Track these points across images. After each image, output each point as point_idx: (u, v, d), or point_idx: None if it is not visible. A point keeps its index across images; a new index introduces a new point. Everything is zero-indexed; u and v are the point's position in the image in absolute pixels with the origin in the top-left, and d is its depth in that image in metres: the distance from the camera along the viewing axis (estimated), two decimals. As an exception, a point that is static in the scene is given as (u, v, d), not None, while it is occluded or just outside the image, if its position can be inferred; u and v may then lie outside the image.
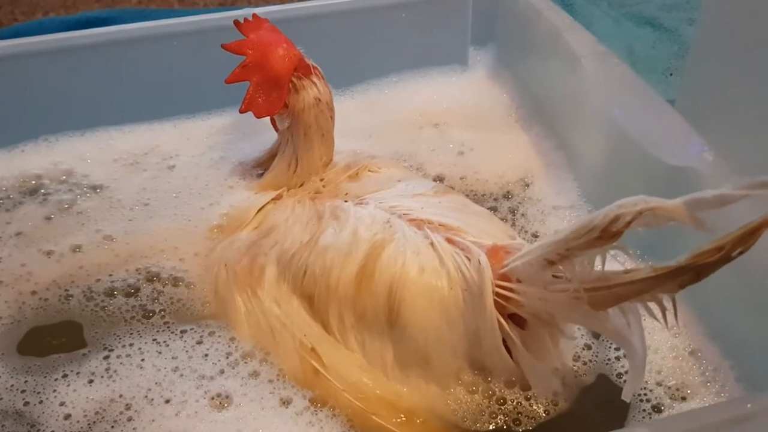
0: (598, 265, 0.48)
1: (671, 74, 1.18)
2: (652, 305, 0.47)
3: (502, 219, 0.72)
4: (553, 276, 0.49)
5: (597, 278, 0.47)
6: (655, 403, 0.55)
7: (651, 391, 0.56)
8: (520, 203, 0.75)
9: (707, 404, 0.54)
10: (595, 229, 0.45)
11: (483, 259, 0.53)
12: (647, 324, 0.59)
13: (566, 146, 0.80)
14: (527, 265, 0.50)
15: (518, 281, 0.51)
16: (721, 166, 0.60)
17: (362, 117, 0.86)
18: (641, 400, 0.55)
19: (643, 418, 0.54)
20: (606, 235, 0.45)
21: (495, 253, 0.54)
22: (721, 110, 0.86)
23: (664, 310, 0.46)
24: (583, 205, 0.74)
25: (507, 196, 0.76)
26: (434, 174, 0.79)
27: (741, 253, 0.42)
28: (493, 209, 0.74)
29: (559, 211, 0.74)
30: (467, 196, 0.74)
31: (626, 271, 0.47)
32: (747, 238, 0.41)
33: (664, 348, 0.58)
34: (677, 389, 0.56)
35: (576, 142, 0.78)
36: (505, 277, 0.52)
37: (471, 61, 0.93)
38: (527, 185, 0.78)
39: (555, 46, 0.79)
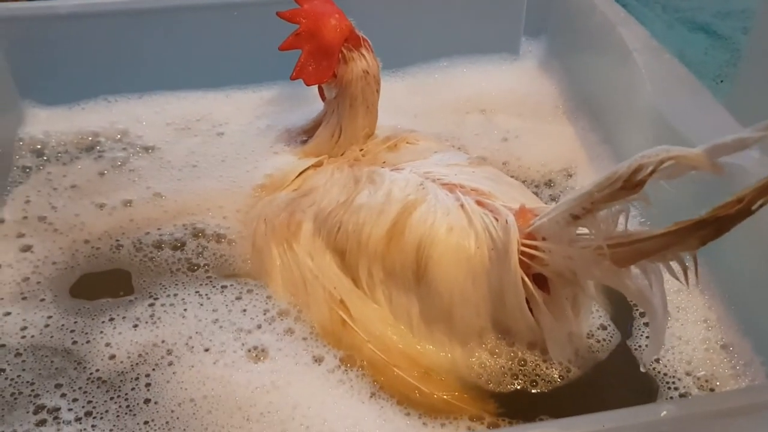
0: (621, 225, 0.49)
1: (722, 81, 1.17)
2: (675, 267, 0.47)
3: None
4: (578, 234, 0.51)
5: (620, 234, 0.48)
6: (683, 391, 0.55)
7: (680, 379, 0.56)
8: (561, 192, 0.76)
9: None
10: (618, 180, 0.46)
11: (510, 219, 0.54)
12: (680, 316, 0.60)
13: (612, 140, 0.80)
14: (553, 222, 0.51)
15: (543, 239, 0.52)
16: (767, 163, 0.59)
17: (410, 98, 0.88)
18: (669, 388, 0.55)
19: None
20: (629, 185, 0.46)
21: (523, 214, 0.55)
22: (770, 118, 0.85)
23: (685, 269, 0.47)
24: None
25: (549, 184, 0.77)
26: (476, 156, 0.79)
27: (761, 205, 0.42)
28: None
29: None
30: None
31: (649, 229, 0.48)
32: (766, 190, 0.42)
33: (696, 340, 0.58)
34: (706, 380, 0.56)
35: (622, 135, 0.78)
36: (531, 236, 0.53)
37: (522, 50, 0.94)
38: (570, 175, 0.78)
39: (607, 39, 0.79)
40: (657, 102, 0.70)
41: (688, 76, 0.72)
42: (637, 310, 0.62)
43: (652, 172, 0.44)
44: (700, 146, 0.43)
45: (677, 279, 0.48)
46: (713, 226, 0.44)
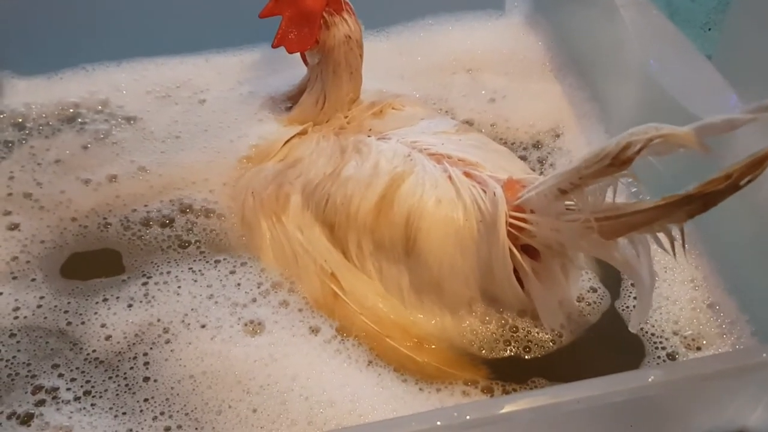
0: (609, 197, 0.49)
1: (710, 29, 1.15)
2: (662, 237, 0.48)
3: (530, 169, 0.72)
4: (566, 207, 0.51)
5: (607, 208, 0.49)
6: (670, 351, 0.57)
7: (667, 339, 0.57)
8: (549, 153, 0.76)
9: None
10: (607, 157, 0.46)
11: (498, 192, 0.55)
12: (667, 276, 0.61)
13: (599, 98, 0.79)
14: (541, 196, 0.52)
15: (531, 212, 0.53)
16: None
17: (395, 58, 0.86)
18: (656, 347, 0.57)
19: (657, 364, 0.56)
20: (617, 162, 0.46)
21: (511, 186, 0.55)
22: (759, 67, 0.85)
23: (672, 241, 0.48)
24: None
25: (537, 145, 0.77)
26: (464, 119, 0.79)
27: (749, 181, 0.43)
28: (522, 158, 0.74)
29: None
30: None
31: (636, 202, 0.48)
32: (755, 166, 0.42)
33: (682, 299, 0.60)
34: (693, 339, 0.57)
35: (609, 93, 0.77)
36: (519, 209, 0.54)
37: (508, 6, 0.92)
38: (558, 135, 0.78)
39: (594, -7, 0.78)
40: (643, 58, 0.70)
41: (675, 31, 0.72)
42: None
43: (641, 149, 0.44)
44: (689, 125, 0.43)
45: (664, 250, 0.48)
46: (701, 201, 0.44)
